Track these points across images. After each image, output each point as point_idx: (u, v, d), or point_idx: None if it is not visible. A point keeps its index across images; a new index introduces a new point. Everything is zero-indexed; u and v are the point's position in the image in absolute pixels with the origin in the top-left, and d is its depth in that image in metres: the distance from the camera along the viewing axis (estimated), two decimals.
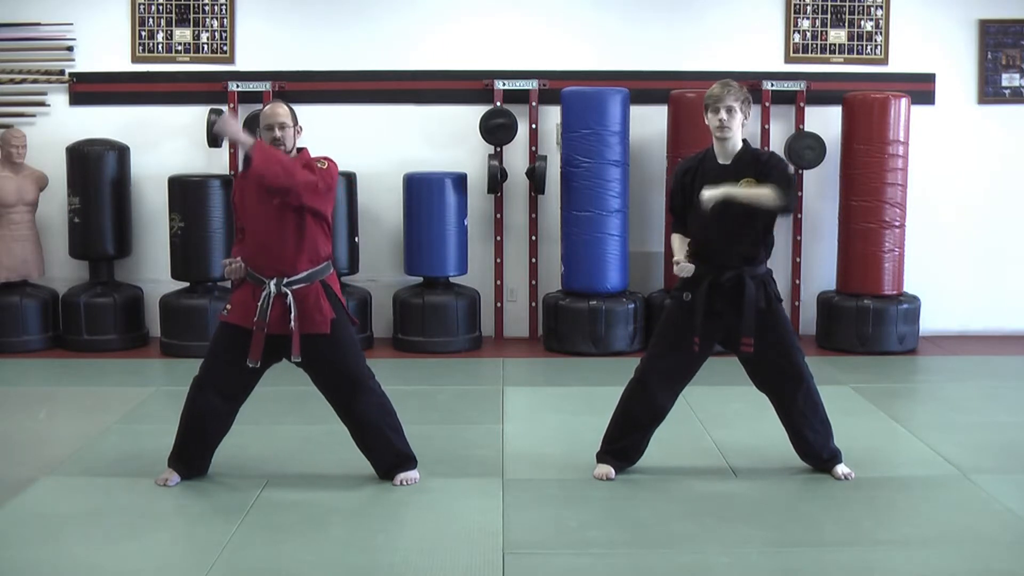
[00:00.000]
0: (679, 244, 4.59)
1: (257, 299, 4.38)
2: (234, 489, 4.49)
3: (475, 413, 5.79)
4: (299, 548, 3.89)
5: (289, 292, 4.37)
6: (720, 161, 4.47)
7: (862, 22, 7.72)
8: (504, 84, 7.59)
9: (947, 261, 7.90)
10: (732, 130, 4.40)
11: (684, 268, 4.46)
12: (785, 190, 4.33)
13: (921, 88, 7.69)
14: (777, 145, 7.57)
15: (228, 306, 4.48)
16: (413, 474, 4.57)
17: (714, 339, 4.54)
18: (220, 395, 4.49)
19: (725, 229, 4.41)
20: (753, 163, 4.43)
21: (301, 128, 4.48)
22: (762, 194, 4.32)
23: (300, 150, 4.47)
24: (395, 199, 7.52)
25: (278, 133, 4.37)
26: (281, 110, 4.41)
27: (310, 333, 4.39)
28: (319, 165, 4.33)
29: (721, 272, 4.44)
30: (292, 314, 4.35)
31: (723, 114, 4.37)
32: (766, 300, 4.48)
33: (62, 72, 7.60)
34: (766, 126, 7.60)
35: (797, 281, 7.78)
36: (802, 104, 7.63)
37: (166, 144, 7.65)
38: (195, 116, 7.51)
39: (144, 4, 7.59)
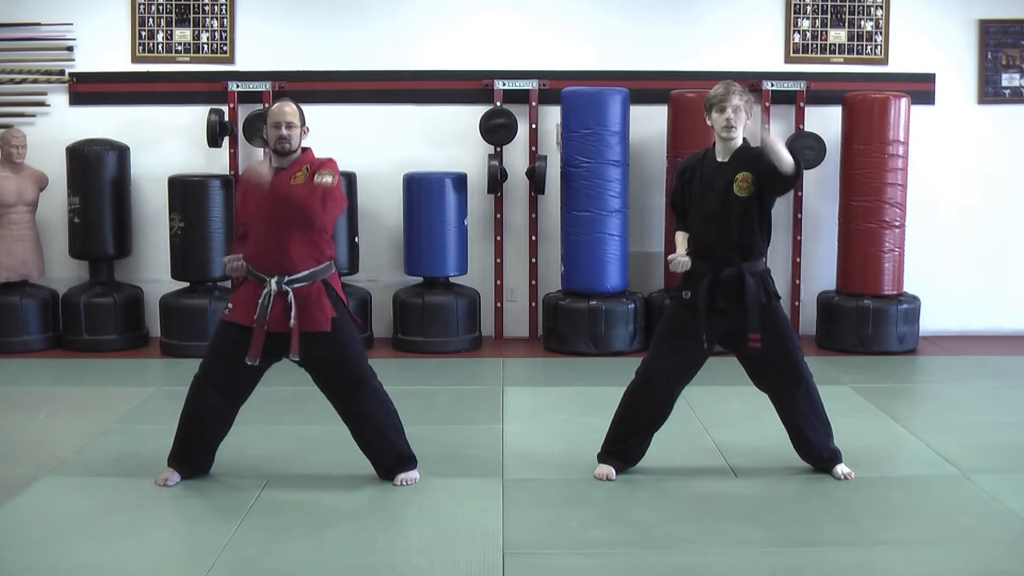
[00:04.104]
0: (681, 241, 4.62)
1: (258, 297, 4.39)
2: (234, 489, 4.49)
3: (475, 413, 5.79)
4: (299, 548, 3.88)
5: (290, 290, 4.37)
6: (719, 159, 4.49)
7: (862, 22, 7.71)
8: (504, 84, 7.59)
9: (947, 261, 7.89)
10: (737, 130, 4.43)
11: (679, 263, 4.47)
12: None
13: (921, 88, 7.69)
14: None
15: (230, 305, 4.48)
16: (413, 474, 4.57)
17: (716, 338, 4.55)
18: (220, 394, 4.48)
19: (725, 221, 4.43)
20: (749, 159, 4.45)
21: (308, 129, 4.47)
22: (783, 151, 4.26)
23: (305, 150, 4.47)
24: (395, 199, 7.51)
25: (284, 132, 4.36)
26: (288, 109, 4.40)
27: (311, 331, 4.39)
28: (327, 181, 4.31)
29: (720, 269, 4.45)
30: (292, 312, 4.35)
31: (730, 113, 4.38)
32: (766, 296, 4.51)
33: (62, 72, 7.60)
34: (766, 126, 7.60)
35: (797, 281, 7.77)
36: (802, 104, 7.63)
37: (166, 144, 7.65)
38: (195, 116, 7.51)
39: (144, 4, 7.59)
